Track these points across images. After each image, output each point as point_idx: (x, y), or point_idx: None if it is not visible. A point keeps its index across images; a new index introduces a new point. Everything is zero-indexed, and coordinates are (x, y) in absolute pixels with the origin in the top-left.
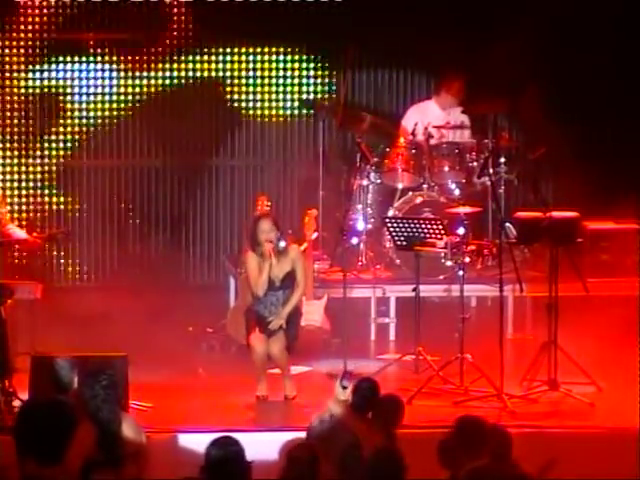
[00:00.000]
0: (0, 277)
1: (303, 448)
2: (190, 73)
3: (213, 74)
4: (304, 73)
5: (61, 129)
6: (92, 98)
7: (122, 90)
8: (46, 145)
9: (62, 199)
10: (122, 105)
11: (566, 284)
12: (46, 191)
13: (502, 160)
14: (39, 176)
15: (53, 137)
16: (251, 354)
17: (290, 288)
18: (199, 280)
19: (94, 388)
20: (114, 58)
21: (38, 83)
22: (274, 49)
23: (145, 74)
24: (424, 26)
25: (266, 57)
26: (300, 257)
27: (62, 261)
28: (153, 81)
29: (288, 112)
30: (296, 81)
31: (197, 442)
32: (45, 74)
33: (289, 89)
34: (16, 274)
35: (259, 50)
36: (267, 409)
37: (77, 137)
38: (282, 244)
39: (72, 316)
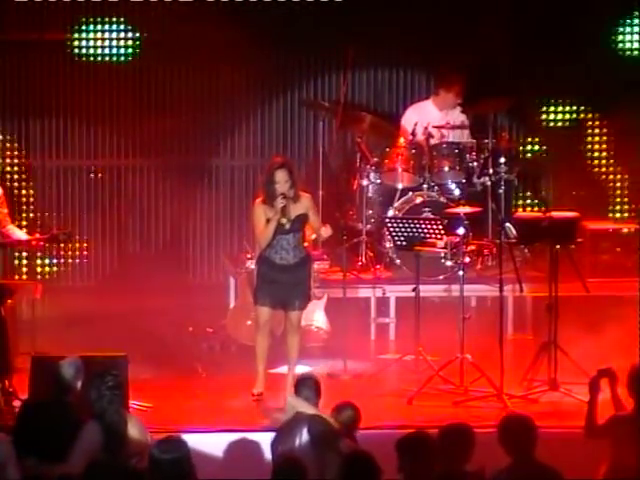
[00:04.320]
0: (0, 277)
1: (290, 460)
2: None
3: None
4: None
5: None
6: None
7: None
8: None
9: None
10: None
11: (566, 284)
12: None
13: (502, 160)
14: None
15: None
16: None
17: (300, 231)
18: (199, 280)
19: (100, 389)
20: None
21: None
22: None
23: None
24: (425, 26)
25: None
26: (313, 205)
27: (62, 261)
28: None
29: None
30: None
31: (197, 442)
32: None
33: None
34: (16, 274)
35: None
36: (267, 409)
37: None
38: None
39: (72, 316)
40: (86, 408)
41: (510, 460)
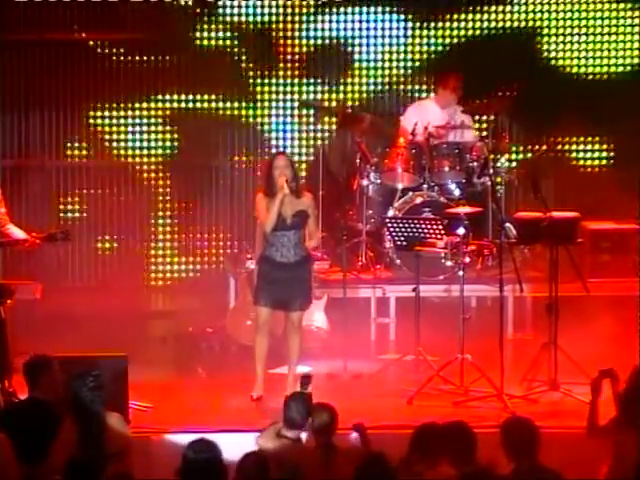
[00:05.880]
0: (0, 277)
1: (253, 458)
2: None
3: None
4: None
5: None
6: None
7: None
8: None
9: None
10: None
11: (566, 284)
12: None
13: (502, 160)
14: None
15: None
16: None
17: (301, 228)
18: (199, 280)
19: (81, 390)
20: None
21: None
22: None
23: None
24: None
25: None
26: (314, 205)
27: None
28: None
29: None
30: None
31: None
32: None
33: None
34: (16, 274)
35: None
36: (266, 409)
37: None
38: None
39: (72, 316)
40: (65, 407)
41: (513, 465)
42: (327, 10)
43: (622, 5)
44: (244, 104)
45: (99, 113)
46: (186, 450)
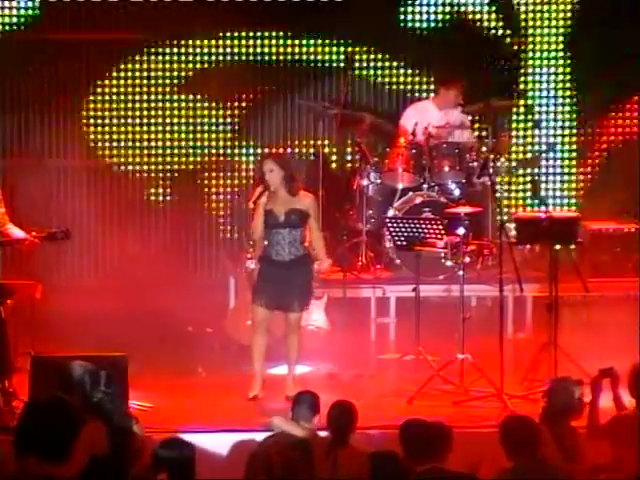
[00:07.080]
0: (0, 277)
1: (260, 458)
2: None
3: None
4: None
5: None
6: None
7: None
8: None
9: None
10: None
11: (566, 284)
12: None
13: (502, 160)
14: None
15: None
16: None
17: (295, 228)
18: (199, 280)
19: (97, 391)
20: None
21: None
22: None
23: None
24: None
25: None
26: (315, 205)
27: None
28: None
29: None
30: None
31: (197, 442)
32: None
33: None
34: (16, 274)
35: None
36: (267, 409)
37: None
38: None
39: (72, 316)
40: (88, 408)
41: (513, 462)
42: None
43: None
44: None
45: None
46: (157, 448)
